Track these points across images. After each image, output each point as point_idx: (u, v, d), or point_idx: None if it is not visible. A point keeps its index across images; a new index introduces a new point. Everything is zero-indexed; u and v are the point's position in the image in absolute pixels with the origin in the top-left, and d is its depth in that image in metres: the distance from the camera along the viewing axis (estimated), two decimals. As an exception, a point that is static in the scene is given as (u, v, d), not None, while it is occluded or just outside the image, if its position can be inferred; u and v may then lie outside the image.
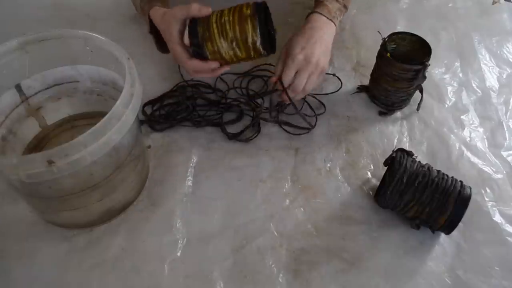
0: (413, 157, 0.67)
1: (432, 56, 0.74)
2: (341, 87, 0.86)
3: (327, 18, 0.76)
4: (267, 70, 0.87)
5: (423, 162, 0.66)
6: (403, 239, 0.65)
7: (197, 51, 0.66)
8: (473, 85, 0.89)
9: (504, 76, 0.91)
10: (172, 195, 0.69)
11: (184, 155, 0.74)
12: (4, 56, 0.60)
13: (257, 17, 0.61)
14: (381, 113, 0.82)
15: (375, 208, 0.68)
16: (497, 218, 0.68)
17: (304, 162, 0.74)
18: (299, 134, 0.78)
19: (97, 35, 0.61)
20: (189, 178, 0.71)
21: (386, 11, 1.04)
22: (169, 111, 0.80)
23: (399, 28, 0.96)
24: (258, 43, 0.62)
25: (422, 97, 0.81)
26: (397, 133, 0.79)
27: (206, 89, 0.84)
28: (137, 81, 0.57)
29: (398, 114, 0.83)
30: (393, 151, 0.67)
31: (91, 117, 0.74)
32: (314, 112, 0.81)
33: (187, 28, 0.66)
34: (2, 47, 0.60)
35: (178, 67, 0.85)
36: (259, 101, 0.83)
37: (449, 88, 0.88)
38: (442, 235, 0.66)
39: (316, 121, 0.80)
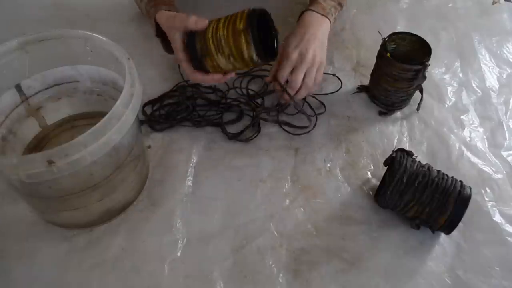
0: (413, 157, 0.67)
1: (432, 56, 0.74)
2: (341, 87, 0.86)
3: (321, 14, 0.76)
4: (267, 70, 0.87)
5: (423, 162, 0.66)
6: (403, 239, 0.65)
7: (198, 66, 0.66)
8: (473, 85, 0.89)
9: (504, 76, 0.91)
10: (172, 195, 0.69)
11: (184, 155, 0.74)
12: (4, 56, 0.60)
13: (250, 31, 0.59)
14: (381, 113, 0.82)
15: (375, 208, 0.68)
16: (497, 218, 0.68)
17: (304, 162, 0.74)
18: (299, 134, 0.78)
19: (97, 35, 0.61)
20: (189, 178, 0.71)
21: (386, 11, 1.04)
22: (169, 111, 0.80)
23: (399, 28, 0.96)
24: (254, 57, 0.61)
25: (422, 97, 0.81)
26: (397, 133, 0.79)
27: (206, 89, 0.84)
28: (137, 81, 0.57)
29: (398, 114, 0.83)
30: (393, 151, 0.67)
31: (91, 117, 0.74)
32: (314, 112, 0.81)
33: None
34: (2, 47, 0.60)
35: (178, 67, 0.85)
36: (259, 101, 0.83)
37: (449, 88, 0.88)
38: (442, 235, 0.66)
39: (316, 121, 0.80)
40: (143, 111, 0.79)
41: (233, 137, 0.77)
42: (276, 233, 0.65)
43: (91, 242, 0.63)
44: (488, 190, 0.71)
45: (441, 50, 0.95)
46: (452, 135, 0.79)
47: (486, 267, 0.63)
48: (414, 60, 0.74)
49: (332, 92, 0.85)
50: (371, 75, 0.83)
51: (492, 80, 0.90)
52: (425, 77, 0.77)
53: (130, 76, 0.56)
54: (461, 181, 0.63)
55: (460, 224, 0.61)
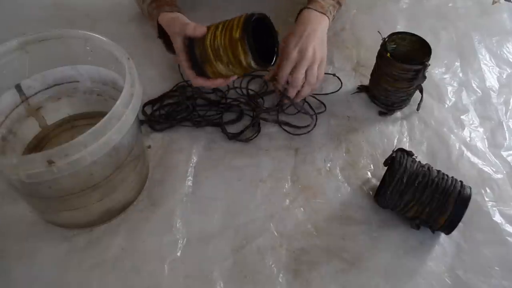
0: (413, 157, 0.67)
1: (432, 56, 0.74)
2: (341, 87, 0.86)
3: (319, 12, 0.76)
4: (267, 70, 0.87)
5: (423, 162, 0.66)
6: (403, 239, 0.65)
7: (199, 72, 0.67)
8: (473, 85, 0.89)
9: (504, 76, 0.91)
10: (172, 195, 0.69)
11: (184, 155, 0.74)
12: (4, 56, 0.60)
13: (246, 41, 0.59)
14: (381, 113, 0.82)
15: (375, 208, 0.68)
16: (497, 218, 0.68)
17: (304, 162, 0.74)
18: (299, 134, 0.78)
19: (97, 35, 0.61)
20: (189, 178, 0.71)
21: (386, 11, 1.04)
22: (169, 111, 0.80)
23: (399, 28, 0.96)
24: (253, 64, 0.61)
25: (422, 97, 0.81)
26: (397, 133, 0.79)
27: (206, 89, 0.84)
28: (137, 81, 0.57)
29: (398, 114, 0.83)
30: (393, 151, 0.67)
31: (91, 117, 0.74)
32: (314, 112, 0.81)
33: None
34: (2, 47, 0.60)
35: (178, 67, 0.85)
36: (259, 101, 0.83)
37: (449, 88, 0.88)
38: (442, 235, 0.66)
39: (316, 120, 0.80)
40: (143, 111, 0.79)
41: (233, 137, 0.77)
42: (276, 233, 0.65)
43: (91, 242, 0.63)
44: (488, 190, 0.71)
45: (441, 50, 0.95)
46: (452, 135, 0.79)
47: (486, 267, 0.63)
48: (414, 60, 0.74)
49: (332, 92, 0.85)
50: (371, 75, 0.83)
51: (492, 80, 0.90)
52: (425, 77, 0.77)
53: (130, 76, 0.56)
54: (461, 181, 0.63)
55: (460, 224, 0.61)
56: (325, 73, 0.82)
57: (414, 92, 0.81)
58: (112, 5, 1.02)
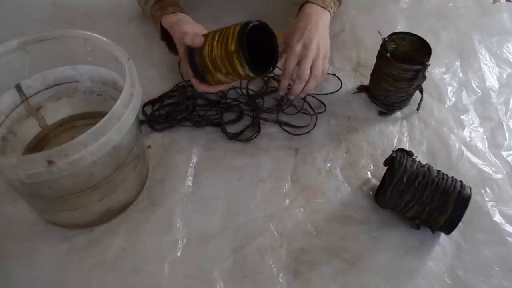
0: (413, 157, 0.67)
1: (432, 56, 0.74)
2: (341, 87, 0.86)
3: (321, 6, 0.76)
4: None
5: (423, 162, 0.66)
6: (403, 239, 0.65)
7: (201, 80, 0.68)
8: (473, 85, 0.89)
9: (504, 76, 0.91)
10: (172, 195, 0.69)
11: (184, 155, 0.74)
12: (4, 56, 0.60)
13: (241, 53, 0.59)
14: (381, 113, 0.82)
15: (375, 208, 0.68)
16: (497, 218, 0.68)
17: (304, 162, 0.74)
18: (299, 134, 0.78)
19: (97, 35, 0.61)
20: (189, 178, 0.71)
21: (386, 11, 1.04)
22: (169, 111, 0.80)
23: (399, 28, 0.96)
24: (251, 74, 0.61)
25: (422, 97, 0.81)
26: (397, 133, 0.79)
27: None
28: (137, 81, 0.57)
29: (398, 114, 0.83)
30: (393, 151, 0.67)
31: (91, 117, 0.74)
32: (314, 112, 0.81)
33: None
34: (2, 47, 0.60)
35: (178, 67, 0.85)
36: (259, 101, 0.83)
37: (449, 88, 0.88)
38: (442, 235, 0.66)
39: (316, 120, 0.80)
40: (143, 111, 0.79)
41: (233, 137, 0.77)
42: (276, 233, 0.65)
43: (91, 242, 0.63)
44: (488, 190, 0.71)
45: (441, 50, 0.95)
46: (452, 135, 0.79)
47: (486, 267, 0.63)
48: (414, 60, 0.74)
49: (332, 92, 0.85)
50: (371, 75, 0.83)
51: (492, 80, 0.90)
52: (425, 77, 0.77)
53: (130, 76, 0.56)
54: (461, 181, 0.63)
55: (460, 224, 0.61)
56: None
57: (414, 92, 0.81)
58: (112, 5, 1.02)
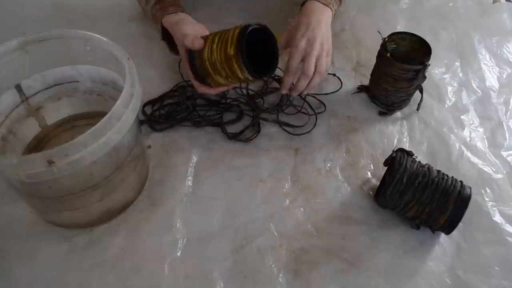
0: (413, 157, 0.67)
1: (432, 56, 0.74)
2: (341, 87, 0.86)
3: (323, 3, 0.76)
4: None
5: (423, 162, 0.66)
6: (403, 239, 0.65)
7: (202, 82, 0.68)
8: (473, 85, 0.89)
9: (504, 76, 0.91)
10: (172, 195, 0.69)
11: (184, 155, 0.74)
12: (4, 56, 0.60)
13: (240, 57, 0.59)
14: (381, 113, 0.82)
15: (375, 208, 0.68)
16: (497, 218, 0.68)
17: (304, 162, 0.74)
18: (299, 134, 0.78)
19: (97, 35, 0.61)
20: (189, 178, 0.71)
21: (386, 11, 1.04)
22: (169, 111, 0.80)
23: (399, 28, 0.96)
24: (250, 78, 0.61)
25: (422, 97, 0.81)
26: (397, 133, 0.79)
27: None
28: (137, 81, 0.57)
29: (398, 114, 0.83)
30: (393, 151, 0.67)
31: (91, 117, 0.74)
32: (314, 112, 0.81)
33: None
34: (2, 47, 0.60)
35: (178, 67, 0.85)
36: (259, 101, 0.83)
37: (449, 88, 0.88)
38: (442, 235, 0.66)
39: (316, 120, 0.80)
40: (143, 111, 0.79)
41: (233, 137, 0.77)
42: (276, 233, 0.65)
43: (91, 242, 0.63)
44: (488, 190, 0.71)
45: (441, 50, 0.95)
46: (452, 135, 0.79)
47: (486, 267, 0.63)
48: (414, 60, 0.74)
49: (332, 92, 0.85)
50: (371, 75, 0.83)
51: (492, 80, 0.90)
52: (425, 77, 0.77)
53: (130, 76, 0.56)
54: (461, 181, 0.63)
55: (460, 224, 0.61)
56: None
57: (414, 92, 0.81)
58: (112, 5, 1.02)
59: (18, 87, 0.66)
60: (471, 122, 0.82)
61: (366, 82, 0.86)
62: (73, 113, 0.74)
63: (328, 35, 0.74)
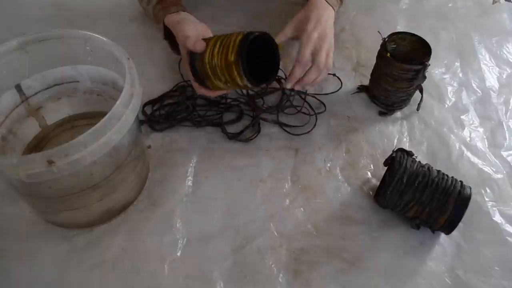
0: (413, 157, 0.67)
1: (432, 56, 0.74)
2: (341, 87, 0.86)
3: (327, 3, 0.77)
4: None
5: (423, 162, 0.66)
6: (403, 239, 0.65)
7: (202, 84, 0.68)
8: (473, 85, 0.89)
9: (504, 76, 0.91)
10: (172, 195, 0.69)
11: (184, 155, 0.74)
12: (4, 56, 0.60)
13: (240, 65, 0.59)
14: (381, 113, 0.82)
15: (375, 208, 0.68)
16: (497, 218, 0.68)
17: (304, 162, 0.74)
18: (299, 134, 0.78)
19: (97, 35, 0.61)
20: (189, 178, 0.71)
21: (386, 12, 1.04)
22: (169, 111, 0.80)
23: (399, 28, 0.96)
24: (249, 85, 0.61)
25: (422, 97, 0.81)
26: (397, 133, 0.79)
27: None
28: (137, 81, 0.57)
29: (398, 114, 0.83)
30: (393, 151, 0.67)
31: (91, 117, 0.74)
32: (314, 112, 0.81)
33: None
34: (2, 47, 0.60)
35: (178, 67, 0.85)
36: (259, 101, 0.83)
37: (449, 88, 0.88)
38: (442, 235, 0.66)
39: (316, 120, 0.80)
40: (143, 111, 0.79)
41: (233, 137, 0.77)
42: (276, 233, 0.65)
43: (91, 242, 0.63)
44: (488, 190, 0.71)
45: (441, 50, 0.95)
46: (452, 135, 0.79)
47: (486, 267, 0.63)
48: (414, 60, 0.74)
49: (332, 92, 0.85)
50: (371, 75, 0.83)
51: (492, 80, 0.90)
52: (425, 77, 0.77)
53: (130, 76, 0.56)
54: (461, 181, 0.63)
55: (460, 224, 0.61)
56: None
57: (414, 92, 0.81)
58: (112, 5, 1.02)
59: (18, 87, 0.66)
60: (471, 122, 0.82)
61: (366, 82, 0.86)
62: (73, 113, 0.74)
63: (332, 33, 0.75)
